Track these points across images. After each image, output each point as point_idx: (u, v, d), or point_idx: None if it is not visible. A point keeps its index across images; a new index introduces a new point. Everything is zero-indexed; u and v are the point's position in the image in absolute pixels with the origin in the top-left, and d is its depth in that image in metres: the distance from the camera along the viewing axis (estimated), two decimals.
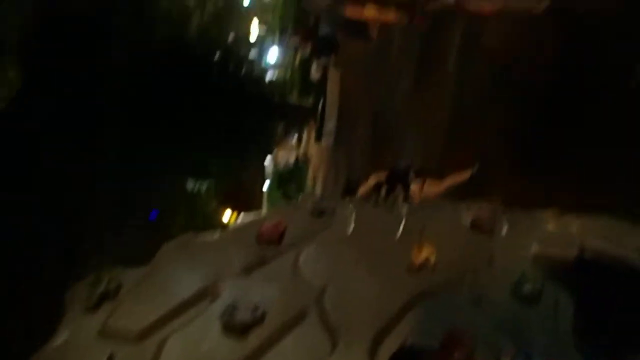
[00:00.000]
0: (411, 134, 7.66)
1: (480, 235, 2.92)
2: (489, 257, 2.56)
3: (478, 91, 6.57)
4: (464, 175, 9.03)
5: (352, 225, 2.83)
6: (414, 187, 6.80)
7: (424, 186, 7.75)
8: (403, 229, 2.85)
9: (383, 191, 5.98)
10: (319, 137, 10.46)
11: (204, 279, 2.11)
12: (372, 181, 6.75)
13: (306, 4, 6.98)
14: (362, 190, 6.62)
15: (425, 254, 2.49)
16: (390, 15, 8.60)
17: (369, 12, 8.97)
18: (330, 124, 9.29)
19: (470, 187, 6.30)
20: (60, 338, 2.42)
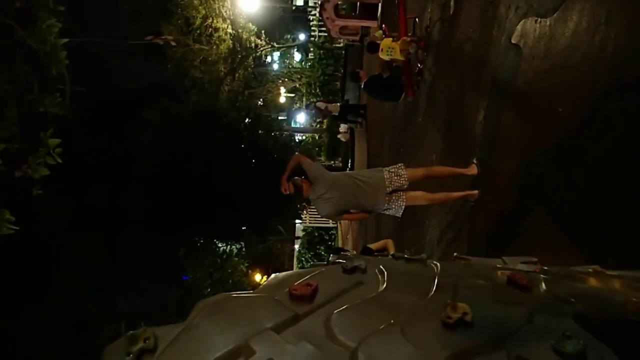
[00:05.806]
0: None
1: (518, 292, 2.84)
2: (527, 315, 2.47)
3: None
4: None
5: (384, 283, 2.79)
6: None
7: None
8: (436, 286, 2.80)
9: None
10: None
11: (236, 337, 2.08)
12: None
13: None
14: None
15: (461, 312, 2.41)
16: None
17: None
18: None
19: (505, 246, 6.16)
20: None
